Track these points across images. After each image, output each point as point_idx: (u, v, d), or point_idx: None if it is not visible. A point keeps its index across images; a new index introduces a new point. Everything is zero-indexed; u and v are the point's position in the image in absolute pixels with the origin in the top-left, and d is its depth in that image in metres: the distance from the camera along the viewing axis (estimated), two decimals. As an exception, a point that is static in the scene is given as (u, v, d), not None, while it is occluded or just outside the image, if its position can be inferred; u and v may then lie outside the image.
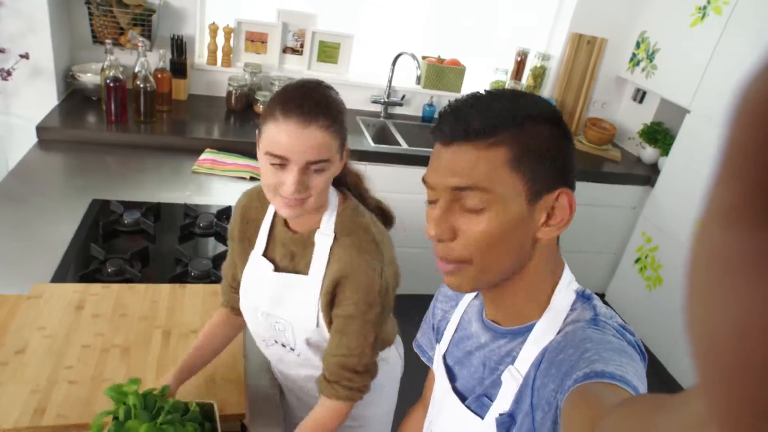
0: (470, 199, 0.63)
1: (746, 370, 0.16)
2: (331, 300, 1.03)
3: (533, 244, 0.67)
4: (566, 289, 0.70)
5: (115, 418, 0.86)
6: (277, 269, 1.08)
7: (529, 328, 0.70)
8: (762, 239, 0.16)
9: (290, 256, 1.08)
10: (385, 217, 1.17)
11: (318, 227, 1.04)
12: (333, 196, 1.06)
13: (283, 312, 1.08)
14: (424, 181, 0.68)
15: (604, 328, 0.64)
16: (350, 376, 1.02)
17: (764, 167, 0.15)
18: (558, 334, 0.67)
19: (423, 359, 0.96)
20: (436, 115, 3.02)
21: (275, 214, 1.10)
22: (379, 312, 1.01)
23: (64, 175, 1.96)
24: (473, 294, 0.82)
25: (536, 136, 0.64)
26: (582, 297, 0.70)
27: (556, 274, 0.71)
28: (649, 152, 2.93)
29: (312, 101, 0.91)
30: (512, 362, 0.70)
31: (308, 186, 0.94)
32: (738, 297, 0.16)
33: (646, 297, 2.80)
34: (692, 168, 2.56)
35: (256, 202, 1.13)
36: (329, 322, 1.06)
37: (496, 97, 0.65)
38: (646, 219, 2.84)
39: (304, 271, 1.06)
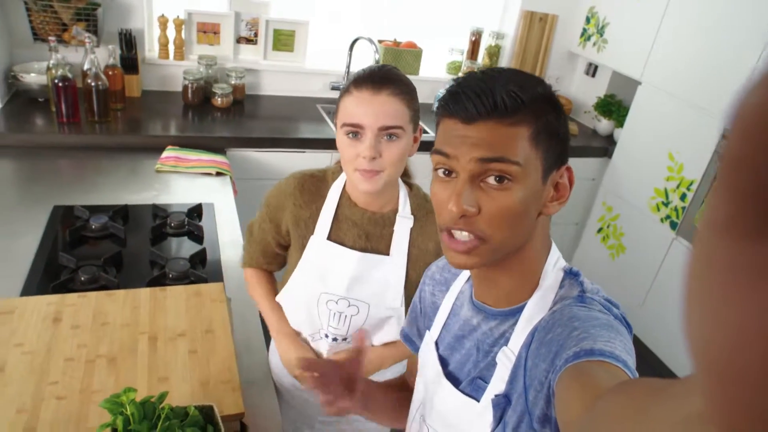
0: (497, 172, 0.63)
1: (743, 378, 0.16)
2: None
3: (536, 220, 0.68)
4: (554, 268, 0.72)
5: (114, 430, 0.84)
6: (359, 251, 1.11)
7: (521, 309, 0.71)
8: (758, 250, 0.16)
9: (365, 237, 1.11)
10: None
11: (392, 208, 1.10)
12: (401, 183, 1.12)
13: (362, 293, 1.11)
14: (439, 152, 0.66)
15: (591, 304, 0.66)
16: None
17: (760, 180, 0.16)
18: (548, 312, 0.68)
19: (411, 349, 0.95)
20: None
21: (342, 195, 1.11)
22: None
23: (19, 183, 1.86)
24: (465, 278, 0.82)
25: (548, 114, 0.66)
26: (570, 274, 0.71)
27: (547, 253, 0.72)
28: (604, 124, 3.02)
29: (383, 73, 0.99)
30: (506, 343, 0.70)
31: (381, 153, 0.99)
32: (734, 307, 0.16)
33: (610, 264, 2.90)
34: (647, 137, 2.66)
35: (310, 185, 1.14)
36: (408, 303, 1.10)
37: (507, 75, 0.66)
38: (605, 189, 2.93)
39: (384, 251, 1.10)
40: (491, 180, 0.64)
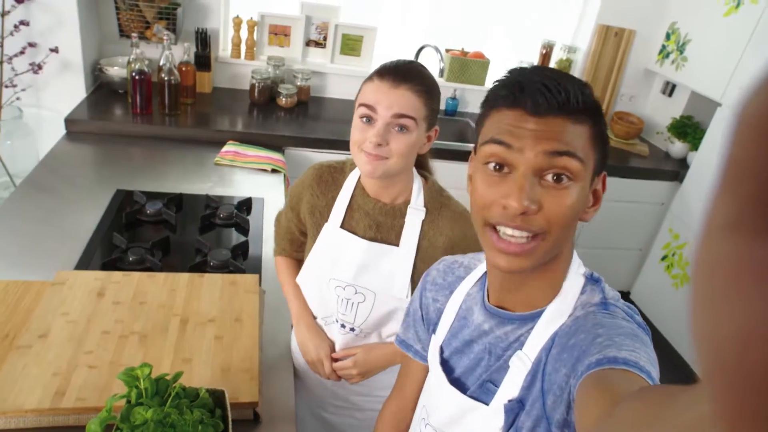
0: (560, 169, 0.61)
1: (750, 380, 0.16)
2: None
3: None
4: (575, 273, 0.70)
5: (128, 401, 0.88)
6: (371, 241, 1.15)
7: (539, 314, 0.69)
8: (762, 249, 0.16)
9: (376, 227, 1.14)
10: None
11: (404, 200, 1.13)
12: (417, 176, 1.14)
13: (369, 281, 1.14)
14: (498, 142, 0.63)
15: (614, 312, 0.65)
16: None
17: (762, 180, 0.16)
18: (569, 318, 0.67)
19: (408, 353, 0.93)
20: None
21: (357, 186, 1.16)
22: None
23: (91, 165, 2.01)
24: (472, 283, 0.81)
25: (601, 119, 0.66)
26: (591, 280, 0.70)
27: (569, 259, 0.71)
28: (677, 147, 2.85)
29: (407, 68, 1.03)
30: (520, 347, 0.69)
31: (389, 141, 1.02)
32: (740, 307, 0.16)
33: (672, 295, 2.74)
34: (712, 178, 2.48)
35: (327, 176, 1.19)
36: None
37: (565, 75, 0.65)
38: (673, 215, 2.77)
39: (394, 242, 1.13)
40: (549, 177, 0.62)
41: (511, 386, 0.68)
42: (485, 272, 0.79)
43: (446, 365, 0.81)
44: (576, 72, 3.06)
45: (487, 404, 0.71)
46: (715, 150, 2.54)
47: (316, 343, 1.24)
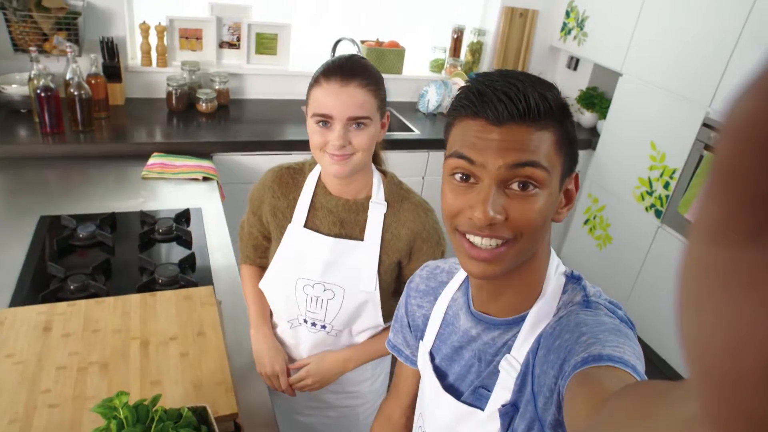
0: (524, 177, 0.62)
1: (737, 383, 0.16)
2: (398, 261, 1.15)
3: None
4: (555, 273, 0.71)
5: (108, 434, 0.84)
6: (335, 237, 1.16)
7: (524, 318, 0.70)
8: (750, 257, 0.16)
9: (340, 224, 1.15)
10: None
11: (366, 195, 1.15)
12: (375, 171, 1.16)
13: (337, 278, 1.15)
14: (461, 157, 0.64)
15: (597, 309, 0.65)
16: None
17: (751, 184, 0.16)
18: (552, 318, 0.67)
19: (400, 359, 0.95)
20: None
21: (317, 185, 1.16)
22: None
23: (4, 194, 1.85)
24: (455, 288, 0.81)
25: (567, 120, 0.65)
26: (572, 278, 0.71)
27: (548, 259, 0.72)
28: (587, 117, 3.05)
29: (350, 64, 1.03)
30: (508, 351, 0.70)
31: (351, 141, 1.04)
32: (727, 313, 0.16)
33: (597, 255, 2.93)
34: (629, 128, 2.69)
35: (287, 177, 1.20)
36: (383, 287, 1.16)
37: (529, 79, 0.64)
38: (591, 181, 2.96)
39: (358, 237, 1.15)
40: (515, 186, 0.63)
41: (503, 391, 0.69)
42: (467, 277, 0.80)
43: (439, 371, 0.81)
44: (487, 53, 3.19)
45: (482, 410, 0.72)
46: (620, 117, 2.74)
47: (271, 355, 1.23)
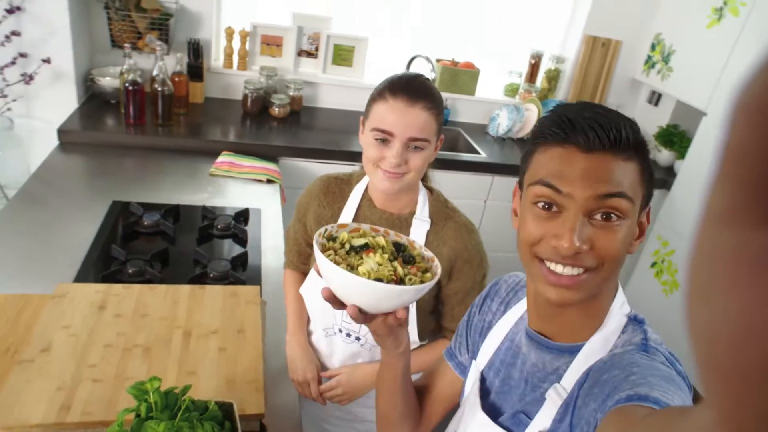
0: (610, 209, 0.62)
1: (748, 373, 0.15)
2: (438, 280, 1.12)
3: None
4: (619, 311, 0.70)
5: (137, 415, 0.88)
6: None
7: (578, 348, 0.69)
8: (758, 240, 0.16)
9: None
10: None
11: (410, 210, 1.15)
12: (422, 188, 1.17)
13: None
14: (549, 186, 0.64)
15: (654, 355, 0.63)
16: None
17: (761, 166, 0.15)
18: (606, 354, 0.66)
19: (450, 364, 0.92)
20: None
21: (363, 197, 1.18)
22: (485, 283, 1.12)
23: (85, 177, 1.99)
24: (523, 308, 0.80)
25: (648, 153, 0.67)
26: (634, 321, 0.69)
27: (613, 295, 0.71)
28: (664, 155, 2.91)
29: (417, 84, 1.04)
30: (558, 380, 0.69)
31: (407, 161, 1.05)
32: (738, 298, 0.16)
33: (662, 301, 2.78)
34: (709, 171, 2.54)
35: (334, 187, 1.22)
36: (420, 305, 1.16)
37: (612, 111, 0.66)
38: (662, 223, 2.82)
39: None
40: (598, 216, 0.63)
41: (544, 419, 0.68)
42: None
43: (483, 387, 0.81)
44: (564, 81, 3.12)
45: None
46: (701, 159, 2.60)
47: (304, 364, 1.24)
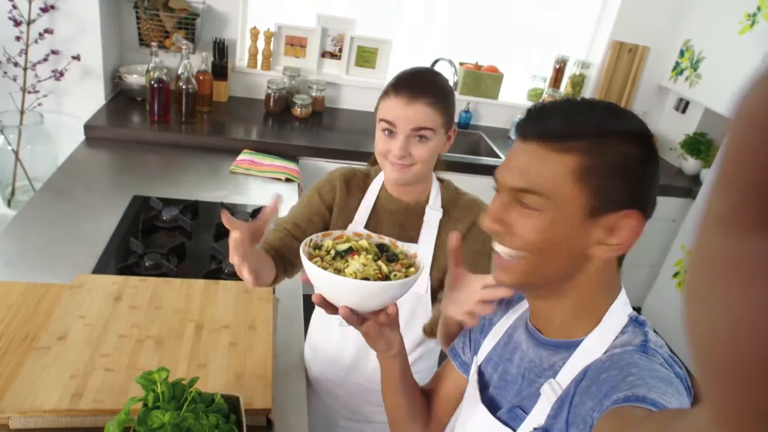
0: (528, 200, 0.64)
1: (744, 372, 0.16)
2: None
3: (585, 259, 0.66)
4: (620, 312, 0.69)
5: (145, 405, 0.90)
6: None
7: (574, 344, 0.69)
8: (759, 245, 0.16)
9: (400, 226, 1.20)
10: None
11: (425, 198, 1.19)
12: (434, 179, 1.20)
13: None
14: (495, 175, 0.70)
15: (653, 356, 0.63)
16: None
17: (760, 173, 0.16)
18: (604, 354, 0.66)
19: (454, 363, 0.94)
20: (471, 122, 3.02)
21: (381, 188, 1.22)
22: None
23: (109, 171, 2.04)
24: (526, 305, 0.81)
25: (612, 152, 0.62)
26: (635, 322, 0.69)
27: (611, 296, 0.70)
28: (690, 163, 2.85)
29: (419, 80, 1.07)
30: (553, 376, 0.69)
31: (411, 152, 1.08)
32: (735, 300, 0.16)
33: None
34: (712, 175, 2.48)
35: (357, 179, 1.25)
36: (435, 289, 1.18)
37: (588, 105, 0.65)
38: (686, 232, 2.76)
39: (414, 239, 1.18)
40: (524, 202, 0.65)
41: (539, 414, 0.68)
42: None
43: (483, 380, 0.82)
44: (589, 87, 3.08)
45: (514, 430, 0.71)
46: (728, 167, 2.54)
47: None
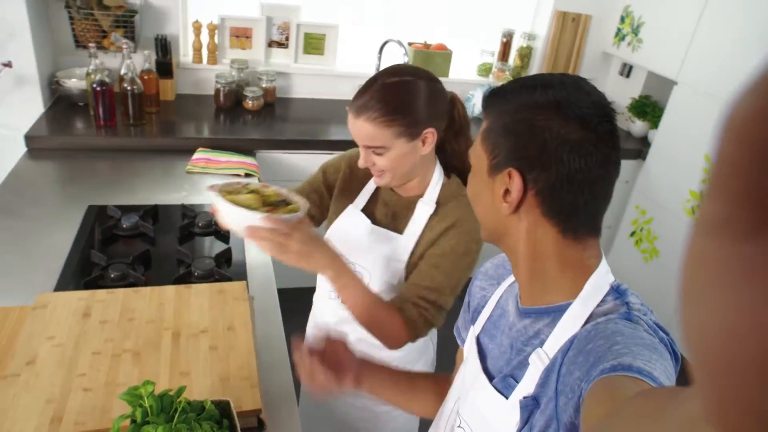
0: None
1: (733, 371, 0.16)
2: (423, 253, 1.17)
3: (508, 219, 0.71)
4: (601, 280, 0.70)
5: (133, 421, 0.87)
6: (374, 224, 1.23)
7: (551, 311, 0.70)
8: (750, 250, 0.16)
9: (391, 216, 1.23)
10: None
11: (419, 194, 1.19)
12: (438, 173, 1.19)
13: (367, 262, 1.22)
14: None
15: (637, 323, 0.64)
16: (427, 307, 1.11)
17: (750, 182, 0.16)
18: (588, 323, 0.67)
19: (458, 342, 0.97)
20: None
21: None
22: (470, 262, 1.13)
23: (57, 183, 1.94)
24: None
25: (510, 117, 0.68)
26: (616, 291, 0.70)
27: (586, 266, 0.70)
28: (638, 126, 2.94)
29: (367, 95, 1.06)
30: (540, 345, 0.70)
31: (373, 163, 1.11)
32: (725, 302, 0.17)
33: (643, 268, 2.83)
34: (682, 139, 2.58)
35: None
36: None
37: (521, 81, 0.70)
38: (639, 192, 2.86)
39: (400, 231, 1.20)
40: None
41: (528, 383, 0.70)
42: None
43: (482, 354, 0.83)
44: (537, 58, 3.12)
45: (507, 398, 0.73)
46: (673, 128, 2.64)
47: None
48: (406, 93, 1.07)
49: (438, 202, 1.17)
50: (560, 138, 0.65)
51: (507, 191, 0.69)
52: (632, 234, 2.91)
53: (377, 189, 1.25)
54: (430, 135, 1.11)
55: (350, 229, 1.25)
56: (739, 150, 0.16)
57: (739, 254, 0.17)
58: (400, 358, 1.29)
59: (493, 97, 0.72)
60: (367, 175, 1.25)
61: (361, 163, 1.12)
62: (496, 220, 0.73)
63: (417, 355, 1.35)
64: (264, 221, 0.95)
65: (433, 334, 1.43)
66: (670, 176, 2.66)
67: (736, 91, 0.17)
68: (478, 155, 0.73)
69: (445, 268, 1.12)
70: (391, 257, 1.19)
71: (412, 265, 1.18)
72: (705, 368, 0.18)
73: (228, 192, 1.03)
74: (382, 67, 2.87)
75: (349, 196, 1.27)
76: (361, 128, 1.07)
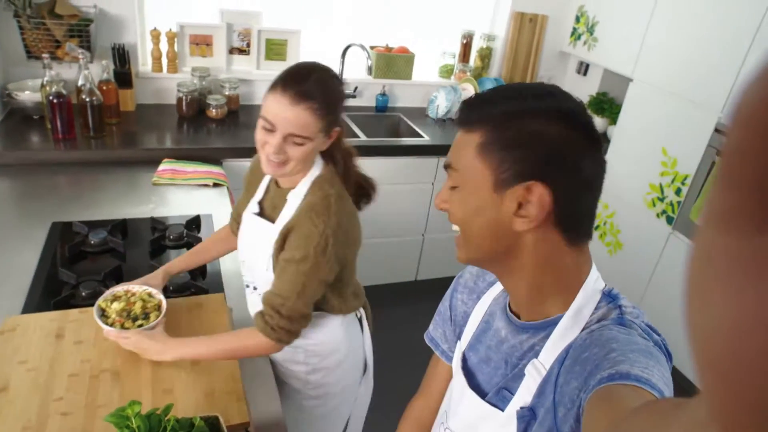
0: (452, 177, 0.70)
1: (741, 369, 0.16)
2: (281, 247, 1.17)
3: (514, 234, 0.66)
4: (591, 288, 0.70)
5: (120, 443, 0.84)
6: (260, 215, 1.27)
7: (549, 324, 0.70)
8: (757, 244, 0.16)
9: (273, 207, 1.25)
10: (362, 190, 1.32)
11: (294, 186, 1.20)
12: (318, 166, 1.20)
13: (247, 253, 1.29)
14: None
15: (631, 328, 0.64)
16: (272, 314, 1.12)
17: (761, 170, 0.16)
18: (583, 331, 0.66)
19: (436, 352, 0.95)
20: (388, 104, 3.04)
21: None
22: (312, 266, 1.11)
23: (17, 200, 1.86)
24: (500, 287, 0.81)
25: (513, 128, 0.65)
26: (608, 296, 0.70)
27: (580, 273, 0.70)
28: (597, 122, 3.03)
29: (310, 83, 1.06)
30: (536, 356, 0.69)
31: (286, 152, 1.09)
32: (733, 298, 0.16)
33: (607, 261, 2.91)
34: (640, 133, 2.67)
35: (258, 164, 1.27)
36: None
37: (504, 90, 0.69)
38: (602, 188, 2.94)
39: (274, 219, 1.23)
40: (452, 179, 0.72)
41: (524, 394, 0.69)
42: None
43: (468, 370, 0.82)
44: (496, 59, 3.18)
45: (502, 411, 0.72)
46: (631, 123, 2.73)
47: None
48: (338, 90, 1.14)
49: (306, 194, 1.18)
50: (575, 146, 0.64)
51: (520, 205, 0.65)
52: (596, 228, 2.99)
53: (269, 184, 1.27)
54: (335, 134, 1.16)
55: (245, 221, 1.30)
56: (749, 140, 0.16)
57: (749, 247, 0.16)
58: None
59: (477, 108, 0.67)
60: (262, 177, 1.30)
61: (270, 151, 1.08)
62: (499, 237, 0.68)
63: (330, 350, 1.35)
64: (107, 334, 1.13)
65: (365, 323, 1.42)
66: (631, 170, 2.75)
67: (745, 80, 0.16)
68: (474, 172, 0.67)
69: (288, 274, 1.12)
70: (262, 246, 1.22)
71: (275, 252, 1.19)
72: (712, 365, 0.17)
73: (112, 299, 1.20)
74: (345, 72, 2.87)
75: (251, 191, 1.32)
76: (298, 115, 1.05)
